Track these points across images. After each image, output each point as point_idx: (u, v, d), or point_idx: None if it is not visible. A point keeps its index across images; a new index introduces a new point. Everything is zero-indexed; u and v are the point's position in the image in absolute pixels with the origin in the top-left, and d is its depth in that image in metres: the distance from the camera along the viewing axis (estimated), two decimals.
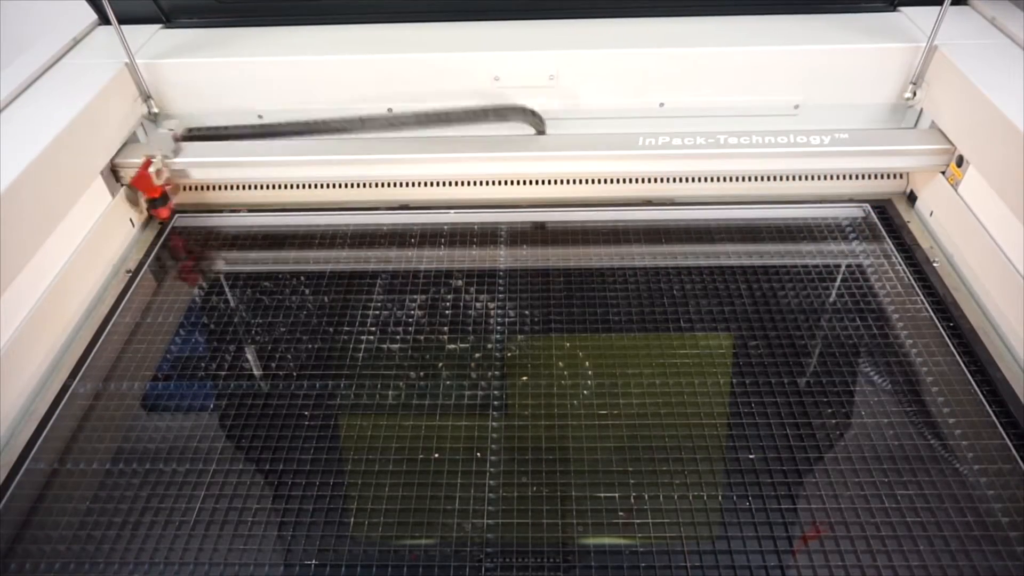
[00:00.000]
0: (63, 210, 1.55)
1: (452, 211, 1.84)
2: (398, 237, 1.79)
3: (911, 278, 1.60)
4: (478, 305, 1.59)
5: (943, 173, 1.73)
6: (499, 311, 1.57)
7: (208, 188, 1.90)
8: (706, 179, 1.84)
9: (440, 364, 1.46)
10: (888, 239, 1.71)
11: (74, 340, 1.54)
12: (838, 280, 1.62)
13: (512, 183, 1.86)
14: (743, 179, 1.83)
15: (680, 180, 1.84)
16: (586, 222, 1.82)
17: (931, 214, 1.75)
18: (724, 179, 1.83)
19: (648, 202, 1.84)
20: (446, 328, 1.54)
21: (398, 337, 1.52)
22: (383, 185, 1.88)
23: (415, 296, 1.62)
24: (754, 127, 1.77)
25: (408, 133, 1.82)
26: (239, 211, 1.88)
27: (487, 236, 1.78)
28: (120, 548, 1.17)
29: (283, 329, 1.55)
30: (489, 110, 1.80)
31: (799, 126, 1.82)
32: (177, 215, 1.88)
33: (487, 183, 1.86)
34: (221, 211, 1.89)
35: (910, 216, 1.78)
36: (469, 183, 1.86)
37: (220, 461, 1.30)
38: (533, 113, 1.81)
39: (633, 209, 1.83)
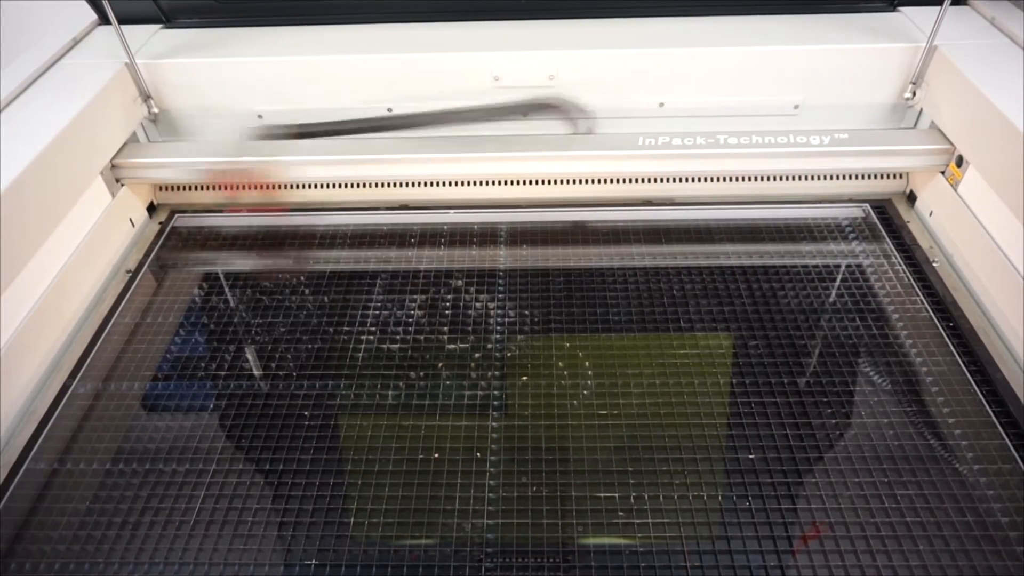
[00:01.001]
0: (63, 210, 1.55)
1: (452, 211, 1.84)
2: (398, 237, 1.79)
3: (911, 278, 1.60)
4: (478, 305, 1.59)
5: (943, 173, 1.73)
6: (499, 311, 1.57)
7: (207, 188, 1.90)
8: (706, 179, 1.83)
9: (440, 364, 1.46)
10: (888, 239, 1.71)
11: (74, 340, 1.54)
12: (838, 280, 1.62)
13: (511, 183, 1.86)
14: (743, 179, 1.83)
15: (680, 180, 1.84)
16: (586, 222, 1.82)
17: (931, 214, 1.75)
18: (724, 179, 1.83)
19: (648, 202, 1.84)
20: (446, 328, 1.54)
21: (398, 337, 1.52)
22: (383, 185, 1.88)
23: (415, 296, 1.62)
24: (754, 127, 1.77)
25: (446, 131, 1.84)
26: (239, 211, 1.88)
27: (487, 236, 1.78)
28: (120, 548, 1.17)
29: (283, 329, 1.55)
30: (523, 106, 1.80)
31: (799, 126, 1.82)
32: (177, 215, 1.88)
33: (487, 183, 1.86)
34: (221, 211, 1.89)
35: (910, 216, 1.78)
36: (469, 183, 1.86)
37: (220, 461, 1.30)
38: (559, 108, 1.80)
39: (633, 209, 1.83)
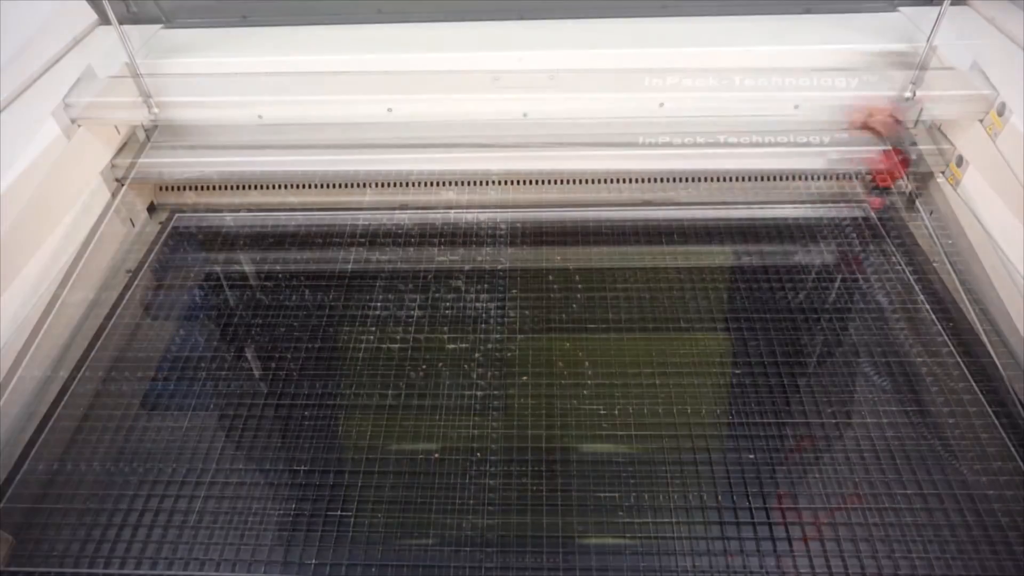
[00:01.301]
0: (63, 211, 1.55)
1: (452, 211, 1.84)
2: (399, 237, 1.79)
3: (911, 278, 1.60)
4: (478, 305, 1.59)
5: (943, 173, 1.73)
6: (499, 311, 1.57)
7: (207, 188, 1.90)
8: (706, 179, 1.83)
9: (440, 364, 1.46)
10: (888, 239, 1.71)
11: (74, 340, 1.54)
12: (837, 280, 1.62)
13: (511, 183, 1.85)
14: (743, 179, 1.83)
15: (680, 180, 1.83)
16: (586, 221, 1.81)
17: (931, 214, 1.75)
18: (722, 179, 1.83)
19: (647, 203, 1.84)
20: (446, 328, 1.54)
21: (398, 337, 1.52)
22: (382, 185, 1.88)
23: (415, 296, 1.62)
24: (754, 128, 1.77)
25: None
26: (239, 211, 1.88)
27: (487, 236, 1.78)
28: (120, 548, 1.18)
29: (283, 329, 1.55)
30: None
31: (800, 127, 1.82)
32: (177, 215, 1.87)
33: (486, 183, 1.86)
34: (221, 211, 1.89)
35: (910, 216, 1.78)
36: (468, 183, 1.86)
37: (220, 461, 1.30)
38: None
39: (633, 208, 1.83)
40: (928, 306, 1.53)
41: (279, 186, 1.88)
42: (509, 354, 1.47)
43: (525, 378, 1.42)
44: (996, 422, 1.30)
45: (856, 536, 1.15)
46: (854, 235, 1.74)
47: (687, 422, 1.33)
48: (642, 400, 1.37)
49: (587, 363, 1.45)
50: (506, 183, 1.85)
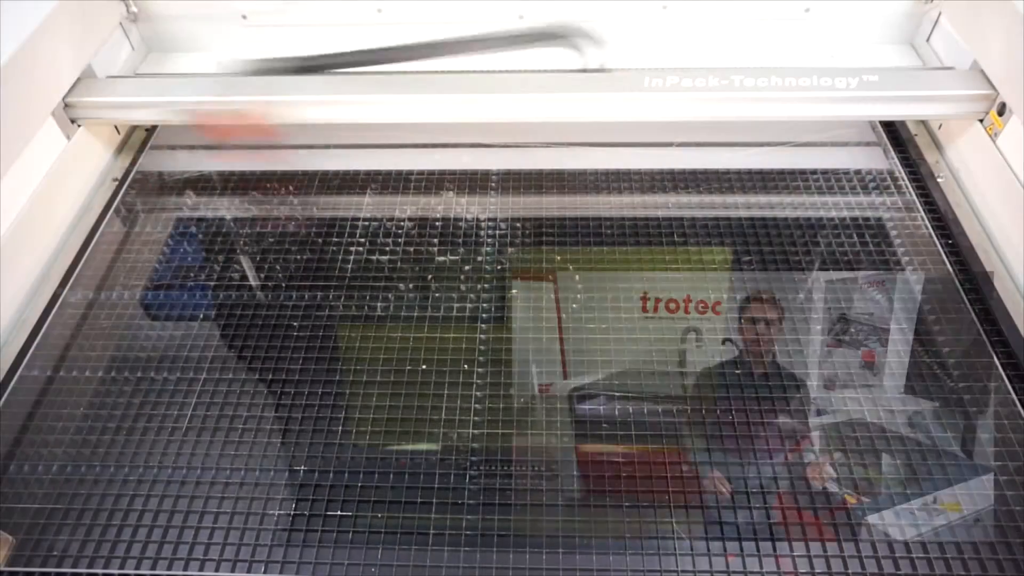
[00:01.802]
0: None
1: (440, 149, 1.76)
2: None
3: (914, 194, 1.56)
4: (468, 216, 1.56)
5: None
6: (490, 223, 1.55)
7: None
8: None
9: (430, 276, 1.45)
10: (894, 152, 1.66)
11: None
12: (838, 196, 1.58)
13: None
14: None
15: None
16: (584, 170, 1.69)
17: (939, 127, 1.69)
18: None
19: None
20: (436, 240, 1.52)
21: (387, 248, 1.51)
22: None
23: (405, 207, 1.59)
24: (762, 31, 1.68)
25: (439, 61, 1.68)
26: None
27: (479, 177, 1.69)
28: (115, 452, 1.21)
29: (272, 240, 1.54)
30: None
31: (809, 33, 1.72)
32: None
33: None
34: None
35: (918, 130, 1.72)
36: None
37: (211, 370, 1.31)
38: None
39: (636, 147, 1.73)
40: (928, 223, 1.50)
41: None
42: (499, 267, 1.46)
43: (515, 291, 1.42)
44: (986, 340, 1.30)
45: (834, 449, 1.17)
46: (858, 147, 1.68)
47: (674, 336, 1.33)
48: (631, 314, 1.36)
49: (577, 276, 1.43)
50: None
